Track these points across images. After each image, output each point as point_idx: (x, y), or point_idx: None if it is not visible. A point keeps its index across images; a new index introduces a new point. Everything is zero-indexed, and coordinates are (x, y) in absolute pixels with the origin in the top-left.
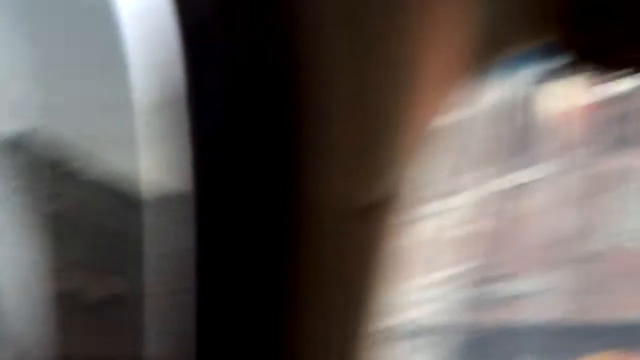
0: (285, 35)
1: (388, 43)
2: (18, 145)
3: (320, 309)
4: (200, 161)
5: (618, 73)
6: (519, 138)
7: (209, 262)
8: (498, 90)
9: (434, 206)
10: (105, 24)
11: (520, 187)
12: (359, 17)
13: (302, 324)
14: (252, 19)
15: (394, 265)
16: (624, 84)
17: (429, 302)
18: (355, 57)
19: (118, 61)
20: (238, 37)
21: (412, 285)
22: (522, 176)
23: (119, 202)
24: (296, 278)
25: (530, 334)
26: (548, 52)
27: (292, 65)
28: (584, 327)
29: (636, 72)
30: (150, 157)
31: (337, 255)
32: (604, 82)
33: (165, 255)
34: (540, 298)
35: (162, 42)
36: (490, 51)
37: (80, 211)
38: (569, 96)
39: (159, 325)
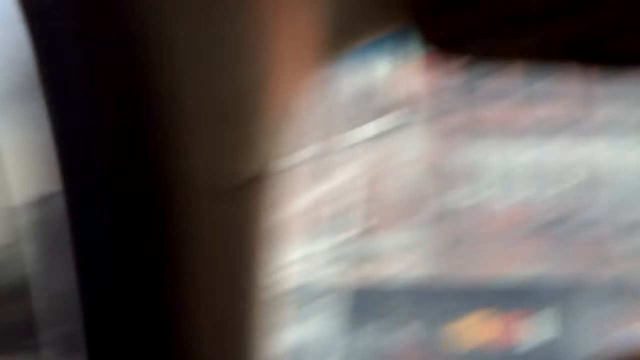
0: (133, 18)
1: (242, 28)
2: None
3: (204, 285)
4: (65, 155)
5: (469, 60)
6: (371, 105)
7: (91, 251)
8: (355, 73)
9: (306, 174)
10: None
11: (375, 141)
12: (213, 9)
13: (188, 301)
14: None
15: (275, 236)
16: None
17: (314, 267)
18: (210, 43)
19: None
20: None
21: (295, 253)
22: (374, 130)
23: None
24: (176, 256)
25: (402, 293)
26: (403, 38)
27: (144, 49)
28: (453, 287)
29: (486, 59)
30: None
31: (217, 231)
32: (455, 67)
33: (47, 253)
34: (406, 255)
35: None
36: (345, 38)
37: None
38: (419, 74)
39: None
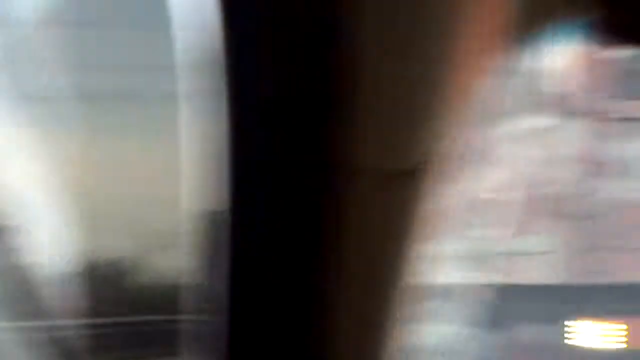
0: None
1: (433, 5)
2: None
3: (359, 268)
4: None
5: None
6: (539, 97)
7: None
8: (532, 59)
9: (467, 168)
10: None
11: (533, 135)
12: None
13: (342, 284)
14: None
15: (428, 227)
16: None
17: (458, 263)
18: (400, 18)
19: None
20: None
21: (443, 246)
22: (536, 124)
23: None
24: (337, 238)
25: (535, 294)
26: (581, 26)
27: (332, 46)
28: (583, 288)
29: None
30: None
31: (376, 216)
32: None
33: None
34: (546, 257)
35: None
36: (531, 23)
37: None
38: (585, 62)
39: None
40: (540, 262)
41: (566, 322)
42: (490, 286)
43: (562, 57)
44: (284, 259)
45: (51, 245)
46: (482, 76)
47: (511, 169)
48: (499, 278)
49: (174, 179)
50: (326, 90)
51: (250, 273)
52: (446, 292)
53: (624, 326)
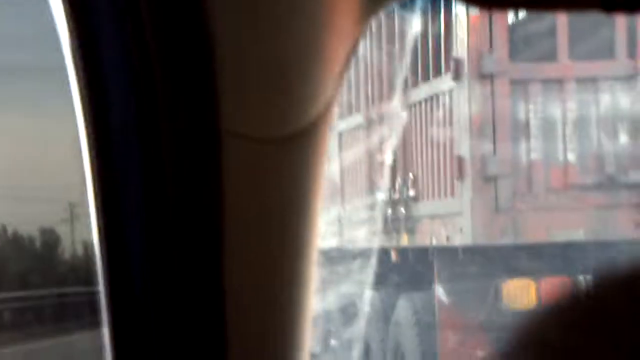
0: None
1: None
2: None
3: (245, 236)
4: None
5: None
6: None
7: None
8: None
9: (357, 132)
10: None
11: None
12: None
13: (233, 254)
14: None
15: (320, 191)
16: None
17: (357, 225)
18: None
19: None
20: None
21: (341, 209)
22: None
23: None
24: (223, 205)
25: (447, 255)
26: None
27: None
28: (493, 248)
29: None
30: None
31: (261, 182)
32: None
33: None
34: (454, 219)
35: None
36: None
37: None
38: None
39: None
40: (447, 224)
41: (479, 282)
42: (400, 249)
43: (453, 20)
44: (164, 227)
45: None
46: (354, 41)
47: (406, 133)
48: (406, 241)
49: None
50: (193, 60)
51: (127, 242)
52: (351, 255)
53: (535, 284)
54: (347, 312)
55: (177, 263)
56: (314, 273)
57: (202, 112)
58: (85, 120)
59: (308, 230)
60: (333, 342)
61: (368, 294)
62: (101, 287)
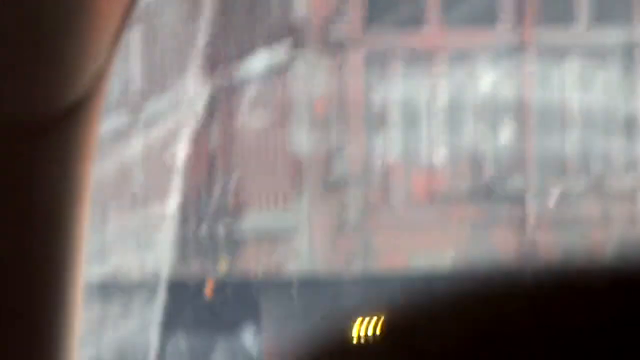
0: None
1: None
2: None
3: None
4: None
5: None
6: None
7: None
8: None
9: (135, 122)
10: None
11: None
12: None
13: None
14: None
15: (87, 196)
16: None
17: (138, 249)
18: None
19: None
20: None
21: (115, 228)
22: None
23: None
24: None
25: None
26: None
27: None
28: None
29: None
30: None
31: (14, 177)
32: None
33: None
34: (289, 240)
35: None
36: None
37: None
38: None
39: None
40: (279, 245)
41: (317, 325)
42: (216, 280)
43: None
44: None
45: None
46: (120, 17)
47: (229, 121)
48: (224, 268)
49: None
50: None
51: None
52: (132, 288)
53: (378, 317)
54: None
55: None
56: (79, 309)
57: None
58: None
59: (69, 249)
60: None
61: (154, 337)
62: None
